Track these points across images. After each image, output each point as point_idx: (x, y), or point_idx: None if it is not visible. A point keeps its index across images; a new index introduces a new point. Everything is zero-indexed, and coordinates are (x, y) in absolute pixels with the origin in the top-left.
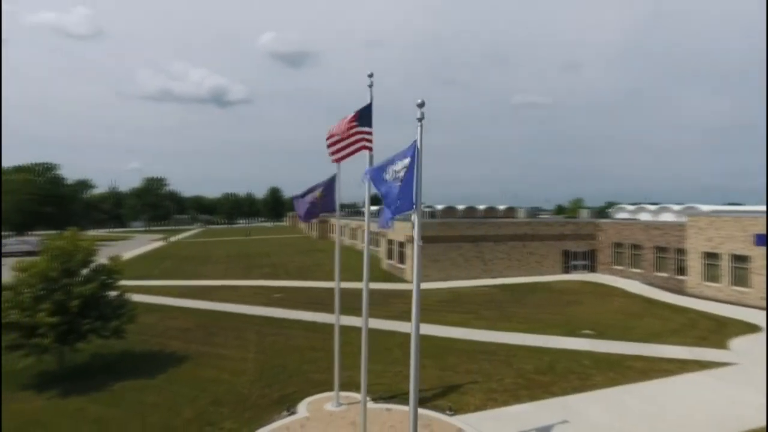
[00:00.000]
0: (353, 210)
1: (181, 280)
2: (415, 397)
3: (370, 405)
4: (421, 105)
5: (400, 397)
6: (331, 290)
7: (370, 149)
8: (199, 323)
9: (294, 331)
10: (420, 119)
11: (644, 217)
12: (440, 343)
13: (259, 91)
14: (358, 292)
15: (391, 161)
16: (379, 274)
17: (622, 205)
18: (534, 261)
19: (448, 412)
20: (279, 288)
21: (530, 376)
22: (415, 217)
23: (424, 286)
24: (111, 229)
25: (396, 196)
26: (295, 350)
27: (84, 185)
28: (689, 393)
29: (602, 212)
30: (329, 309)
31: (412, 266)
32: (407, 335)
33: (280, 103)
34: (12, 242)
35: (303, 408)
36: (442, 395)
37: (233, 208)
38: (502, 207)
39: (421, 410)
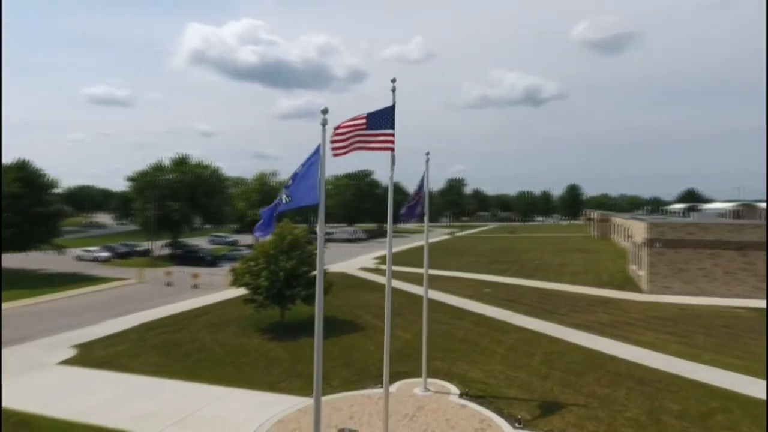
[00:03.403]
0: (658, 207)
1: (422, 269)
2: (318, 394)
3: (452, 398)
4: (325, 111)
5: (489, 399)
6: (541, 290)
7: (392, 149)
8: (398, 303)
9: (463, 322)
10: (323, 124)
11: None
12: (594, 359)
13: (573, 84)
14: (579, 296)
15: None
16: (618, 278)
17: None
18: None
19: (516, 424)
20: (495, 283)
21: (663, 416)
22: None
23: (657, 299)
24: (419, 223)
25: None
26: (446, 338)
27: (395, 187)
28: None
29: None
30: (520, 307)
31: (647, 273)
32: (568, 345)
33: (596, 94)
34: (338, 231)
35: (395, 387)
36: (531, 407)
37: (528, 205)
38: None
39: (488, 413)
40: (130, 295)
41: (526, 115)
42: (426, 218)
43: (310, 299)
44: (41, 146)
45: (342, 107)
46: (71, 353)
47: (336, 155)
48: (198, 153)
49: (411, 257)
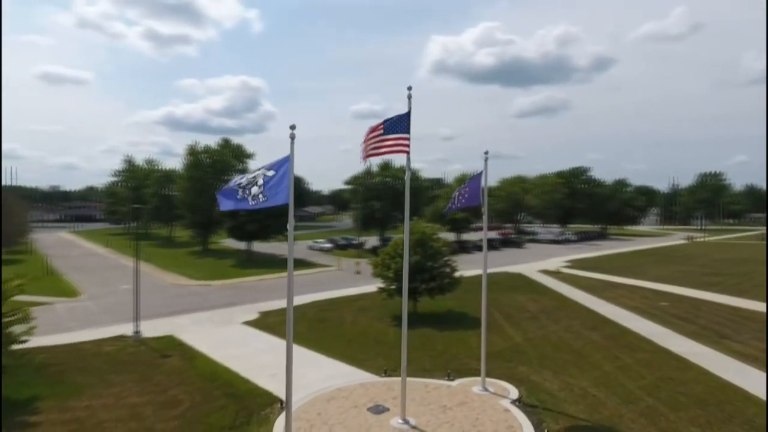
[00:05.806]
0: None
1: (608, 275)
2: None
3: (502, 401)
4: (293, 128)
5: (539, 410)
6: (737, 311)
7: (407, 152)
8: (543, 308)
9: (593, 334)
10: (292, 138)
11: None
12: (717, 395)
13: None
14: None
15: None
16: None
17: None
18: None
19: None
20: (683, 297)
21: None
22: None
23: None
24: (660, 226)
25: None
26: (555, 346)
27: (622, 185)
28: None
29: None
30: (685, 327)
31: None
32: (700, 374)
33: None
34: (544, 231)
35: (456, 382)
36: (580, 427)
37: None
38: None
39: (524, 421)
40: (325, 279)
41: None
42: (485, 217)
43: (431, 292)
44: (321, 156)
45: (586, 99)
46: (254, 317)
47: (364, 160)
48: (439, 156)
49: (608, 262)
